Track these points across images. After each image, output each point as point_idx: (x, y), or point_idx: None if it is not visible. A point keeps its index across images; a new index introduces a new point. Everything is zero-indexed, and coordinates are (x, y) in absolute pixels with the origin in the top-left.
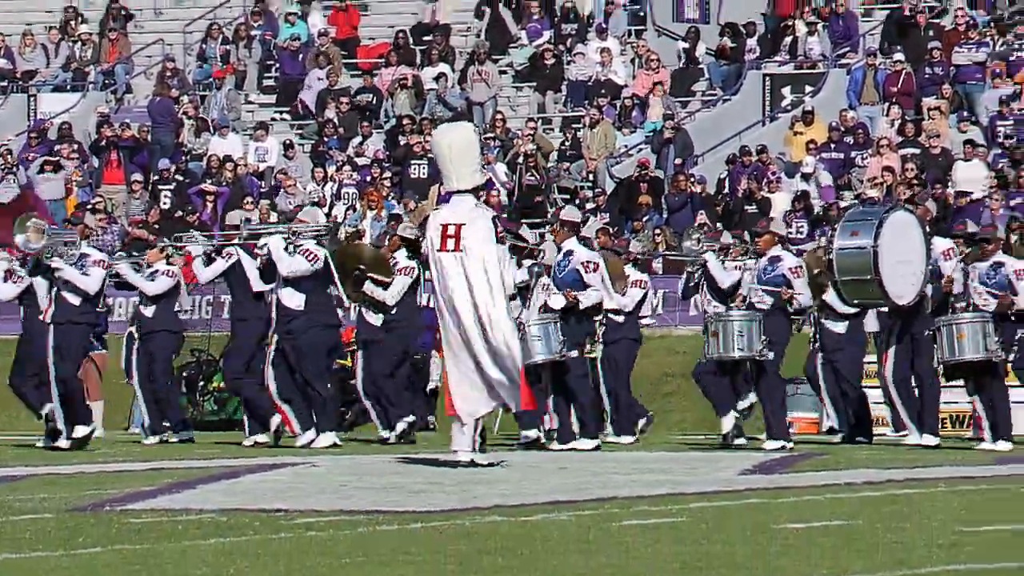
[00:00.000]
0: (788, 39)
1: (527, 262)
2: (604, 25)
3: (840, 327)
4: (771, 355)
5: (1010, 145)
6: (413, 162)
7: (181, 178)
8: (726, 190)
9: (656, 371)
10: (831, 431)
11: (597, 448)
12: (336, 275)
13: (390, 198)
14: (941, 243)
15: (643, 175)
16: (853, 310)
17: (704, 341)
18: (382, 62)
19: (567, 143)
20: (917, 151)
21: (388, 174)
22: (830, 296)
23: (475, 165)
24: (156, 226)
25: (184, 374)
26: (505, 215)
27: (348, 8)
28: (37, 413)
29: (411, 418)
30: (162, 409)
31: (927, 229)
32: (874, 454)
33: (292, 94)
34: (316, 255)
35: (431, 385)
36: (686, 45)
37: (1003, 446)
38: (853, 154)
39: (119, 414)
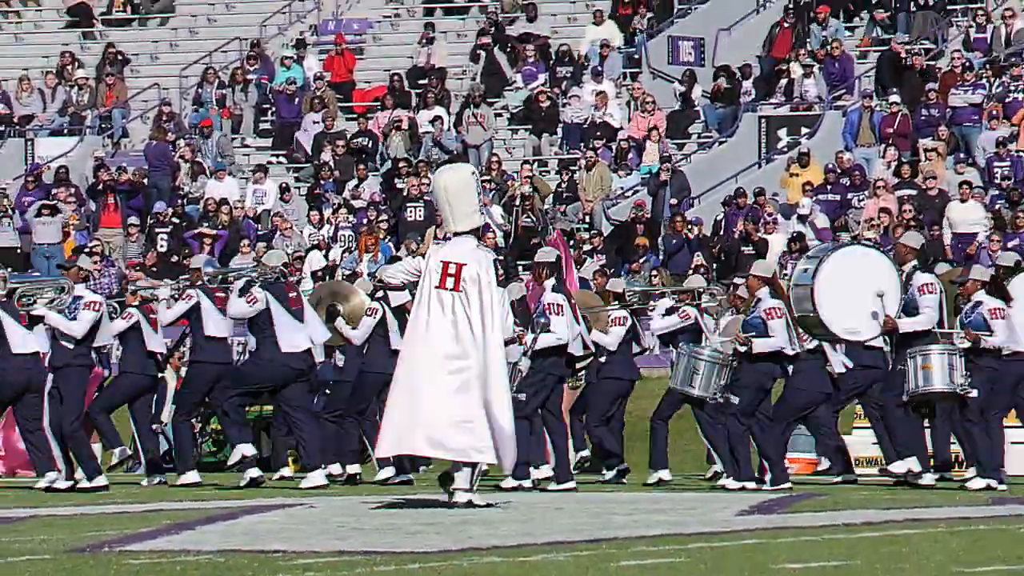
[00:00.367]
0: (784, 81)
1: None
2: (599, 68)
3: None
4: (734, 399)
5: (1007, 186)
6: (409, 205)
7: (178, 221)
8: (722, 232)
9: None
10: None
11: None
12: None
13: (387, 240)
14: (921, 278)
15: (639, 217)
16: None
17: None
18: (378, 105)
19: (563, 185)
20: (914, 192)
21: (384, 217)
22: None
23: (473, 206)
24: (154, 269)
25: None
26: (501, 258)
27: (343, 52)
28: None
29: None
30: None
31: (902, 264)
32: (873, 494)
33: (288, 137)
34: (256, 298)
35: None
36: (682, 88)
37: (976, 484)
38: (850, 196)
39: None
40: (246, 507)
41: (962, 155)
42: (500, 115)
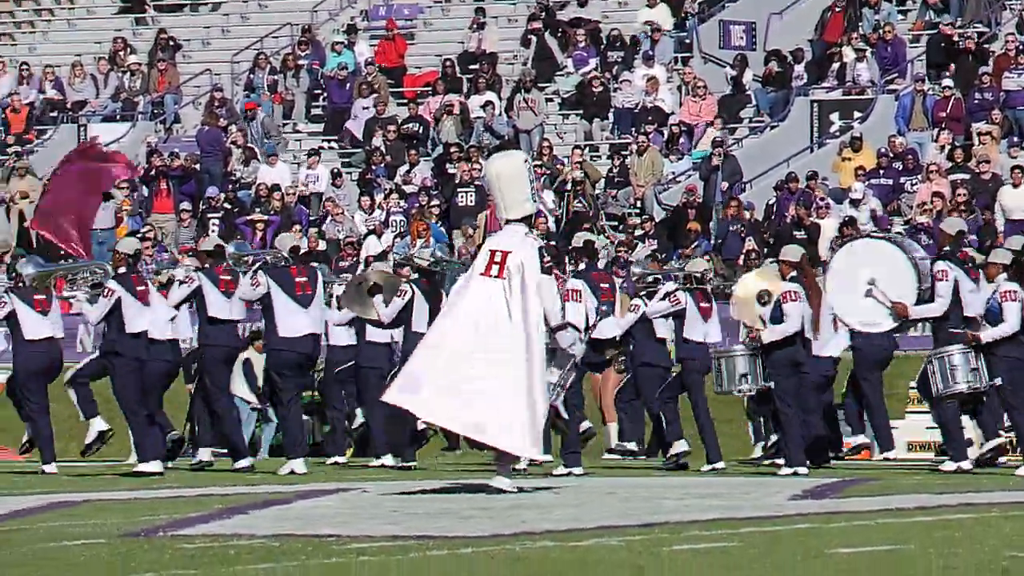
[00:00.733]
0: (836, 65)
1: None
2: (651, 52)
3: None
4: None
5: None
6: (460, 190)
7: (229, 206)
8: (774, 217)
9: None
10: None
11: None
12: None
13: (439, 225)
14: (937, 265)
15: (691, 202)
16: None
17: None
18: (429, 90)
19: (614, 170)
20: (967, 176)
21: (436, 202)
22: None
23: (525, 194)
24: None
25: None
26: (552, 243)
27: (395, 37)
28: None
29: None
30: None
31: (940, 249)
32: (926, 479)
33: (339, 123)
34: (258, 282)
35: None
36: (733, 72)
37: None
38: (902, 180)
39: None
40: (300, 492)
41: (1015, 139)
42: (551, 100)
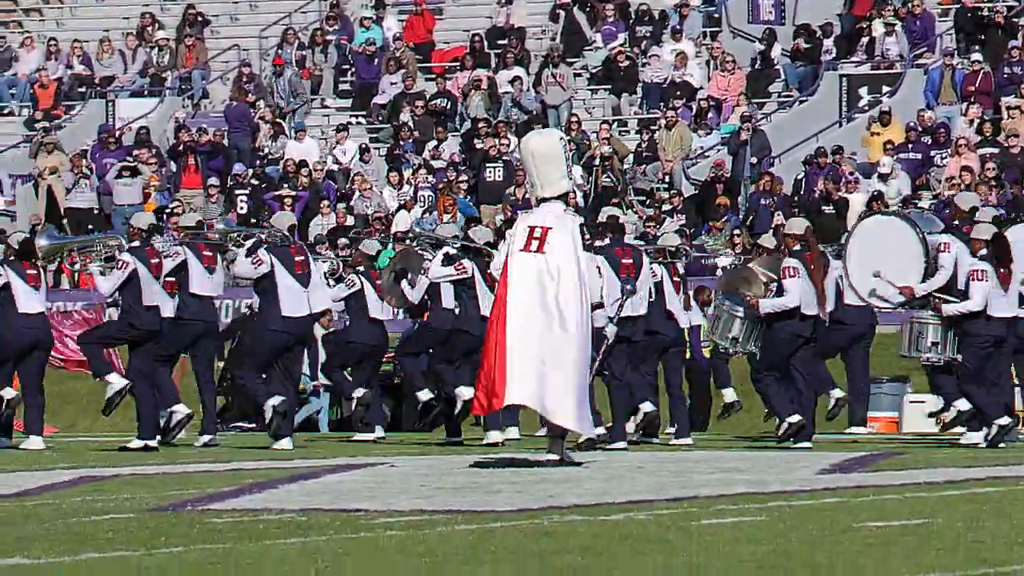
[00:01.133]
0: (865, 39)
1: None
2: (679, 27)
3: None
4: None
5: None
6: (488, 165)
7: (257, 182)
8: (803, 191)
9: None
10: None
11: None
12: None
13: (468, 200)
14: (941, 238)
15: (719, 176)
16: None
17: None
18: (457, 66)
19: (643, 145)
20: (996, 151)
21: (464, 177)
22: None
23: (561, 172)
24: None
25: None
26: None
27: (423, 12)
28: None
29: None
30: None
31: (925, 227)
32: (953, 453)
33: (367, 98)
34: (261, 260)
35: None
36: (762, 47)
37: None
38: (932, 154)
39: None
40: (328, 466)
41: None
42: (579, 75)
